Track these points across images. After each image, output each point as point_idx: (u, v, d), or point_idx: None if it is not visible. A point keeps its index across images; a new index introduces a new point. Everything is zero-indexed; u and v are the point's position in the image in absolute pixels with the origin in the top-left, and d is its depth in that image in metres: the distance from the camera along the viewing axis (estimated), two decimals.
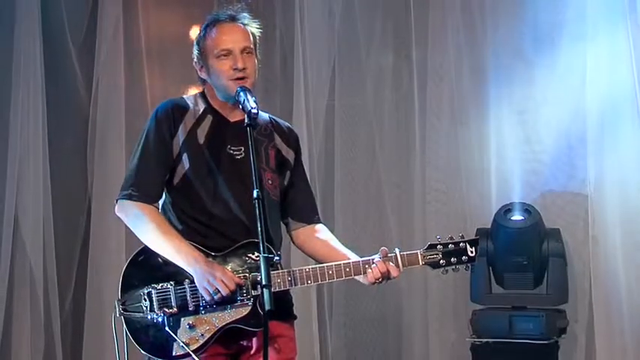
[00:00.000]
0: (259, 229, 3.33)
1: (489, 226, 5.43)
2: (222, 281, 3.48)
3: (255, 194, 3.37)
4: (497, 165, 5.73)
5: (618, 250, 5.32)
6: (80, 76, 6.40)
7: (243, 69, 3.64)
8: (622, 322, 5.27)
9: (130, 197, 3.65)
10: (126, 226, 6.08)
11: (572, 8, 5.56)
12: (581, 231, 5.51)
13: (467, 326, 5.44)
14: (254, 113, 3.51)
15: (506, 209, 5.40)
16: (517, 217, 5.36)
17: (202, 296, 3.53)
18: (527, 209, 5.37)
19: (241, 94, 3.59)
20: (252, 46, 3.70)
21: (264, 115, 3.85)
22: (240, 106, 3.59)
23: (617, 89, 5.37)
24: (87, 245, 6.31)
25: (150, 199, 3.66)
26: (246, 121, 3.52)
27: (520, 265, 5.33)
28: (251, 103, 3.53)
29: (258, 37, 3.77)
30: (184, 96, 3.83)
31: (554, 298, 5.36)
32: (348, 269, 3.63)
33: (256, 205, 3.36)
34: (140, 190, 3.64)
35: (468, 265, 3.70)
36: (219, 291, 3.48)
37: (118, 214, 3.71)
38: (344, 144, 6.11)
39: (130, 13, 6.44)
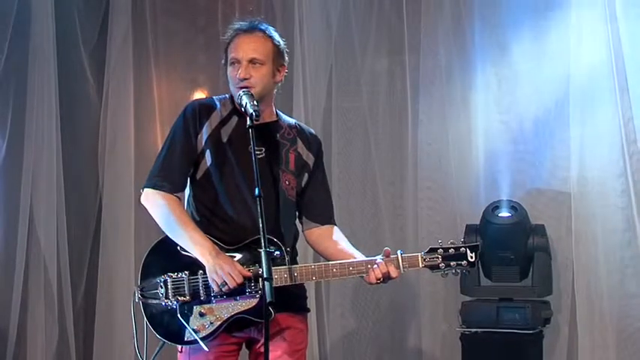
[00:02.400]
0: (261, 225, 3.38)
1: (478, 222, 5.42)
2: (230, 274, 3.52)
3: (257, 192, 3.40)
4: (486, 165, 5.74)
5: (599, 244, 5.33)
6: (92, 81, 6.45)
7: (245, 79, 3.67)
8: (603, 312, 5.30)
9: (154, 186, 3.70)
10: (135, 222, 6.20)
11: (555, 21, 5.56)
12: (564, 227, 5.51)
13: (457, 317, 5.45)
14: (255, 116, 3.54)
15: (494, 206, 5.40)
16: (504, 213, 5.36)
17: (212, 286, 3.54)
18: (514, 206, 5.37)
19: (243, 97, 3.63)
20: (262, 57, 3.71)
21: (290, 120, 3.92)
22: (242, 109, 3.61)
23: (599, 94, 5.38)
24: (98, 240, 6.36)
25: (173, 189, 3.71)
26: (248, 123, 3.54)
27: (507, 259, 5.33)
28: (253, 107, 3.56)
29: (281, 48, 3.78)
30: (215, 97, 3.87)
31: (539, 290, 5.35)
32: (351, 268, 3.66)
33: (258, 202, 3.39)
34: (165, 180, 3.70)
35: (467, 269, 3.71)
36: (226, 283, 3.50)
37: (142, 202, 3.76)
38: (341, 144, 6.12)
39: (139, 22, 6.47)
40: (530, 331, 5.22)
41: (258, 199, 3.39)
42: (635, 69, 5.26)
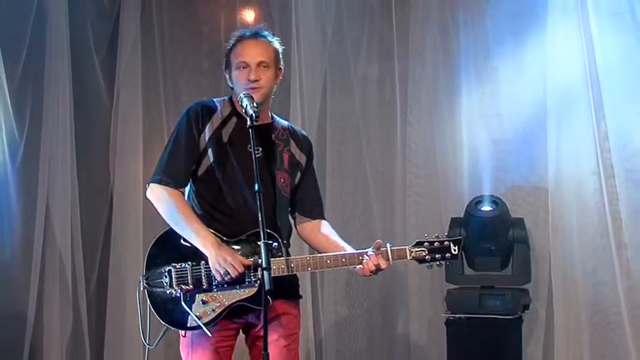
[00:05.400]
0: (260, 218, 3.38)
1: (462, 215, 5.43)
2: (232, 264, 3.52)
3: (256, 188, 3.40)
4: (469, 162, 5.75)
5: (574, 236, 5.34)
6: (103, 85, 6.45)
7: (256, 80, 3.67)
8: (577, 299, 5.31)
9: (159, 182, 3.71)
10: (143, 216, 6.20)
11: (533, 32, 5.58)
12: (542, 220, 5.53)
13: (442, 303, 5.45)
14: (255, 117, 3.54)
15: (477, 201, 5.40)
16: (486, 207, 5.35)
17: (214, 276, 3.54)
18: (495, 201, 5.37)
19: (244, 99, 3.63)
20: (268, 60, 3.73)
21: (283, 122, 3.92)
22: (243, 110, 3.61)
23: (574, 97, 5.39)
24: (109, 232, 6.37)
25: (177, 184, 3.71)
26: (248, 123, 3.54)
27: (489, 250, 5.33)
28: (253, 108, 3.56)
29: (279, 52, 3.79)
30: (214, 98, 3.86)
31: (519, 278, 5.36)
32: (344, 259, 3.66)
33: (258, 197, 3.39)
34: (169, 176, 3.70)
35: (451, 261, 3.72)
36: (228, 272, 3.51)
37: (148, 196, 3.76)
38: (334, 143, 6.12)
39: (147, 31, 6.48)
40: (511, 317, 5.23)
41: (258, 194, 3.40)
42: (607, 73, 5.26)
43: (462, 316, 5.33)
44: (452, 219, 5.47)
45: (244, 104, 3.60)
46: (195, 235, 3.61)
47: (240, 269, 3.54)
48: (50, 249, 6.03)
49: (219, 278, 3.55)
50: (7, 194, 5.86)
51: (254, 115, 3.53)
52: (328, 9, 6.11)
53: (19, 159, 5.94)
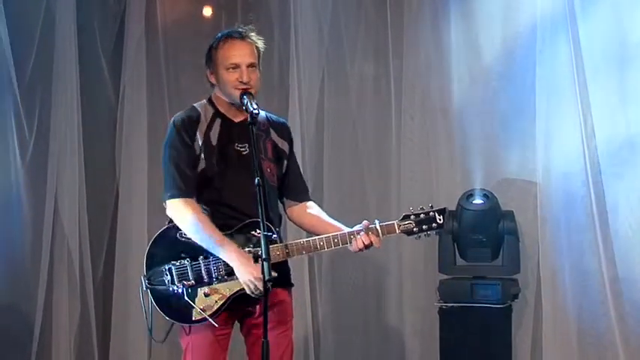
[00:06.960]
0: (260, 211, 3.42)
1: (454, 208, 5.45)
2: (256, 284, 3.57)
3: (256, 182, 3.44)
4: (461, 157, 5.76)
5: (562, 228, 5.35)
6: (109, 83, 6.45)
7: (247, 82, 3.71)
8: (565, 288, 5.31)
9: (173, 197, 3.72)
10: (148, 209, 6.24)
11: (522, 28, 5.61)
12: (531, 213, 5.52)
13: (435, 293, 5.47)
14: (255, 114, 3.59)
15: (469, 194, 5.41)
16: (478, 201, 5.36)
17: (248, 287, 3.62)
18: (486, 194, 5.38)
19: (244, 97, 3.68)
20: (256, 61, 3.77)
21: (262, 114, 3.91)
22: (244, 108, 3.66)
23: (562, 95, 5.40)
24: (115, 226, 6.38)
25: (190, 194, 3.72)
26: (248, 120, 3.60)
27: (480, 241, 5.34)
28: (253, 106, 3.61)
29: (262, 52, 3.83)
30: (195, 104, 3.88)
31: (509, 268, 5.38)
32: (336, 240, 3.70)
33: (258, 191, 3.44)
34: (180, 189, 3.72)
35: (438, 230, 3.75)
36: (258, 287, 3.57)
37: (168, 213, 3.76)
38: (331, 139, 6.14)
39: (151, 31, 6.49)
40: (501, 306, 5.24)
41: (258, 188, 3.44)
42: (594, 70, 5.29)
43: (455, 305, 5.34)
44: None
45: (244, 101, 3.66)
46: (219, 248, 3.63)
47: (260, 287, 3.55)
48: (59, 242, 6.06)
49: (249, 292, 3.60)
50: (17, 189, 5.90)
51: (254, 112, 3.60)
52: (325, 10, 6.14)
53: (29, 155, 5.98)
